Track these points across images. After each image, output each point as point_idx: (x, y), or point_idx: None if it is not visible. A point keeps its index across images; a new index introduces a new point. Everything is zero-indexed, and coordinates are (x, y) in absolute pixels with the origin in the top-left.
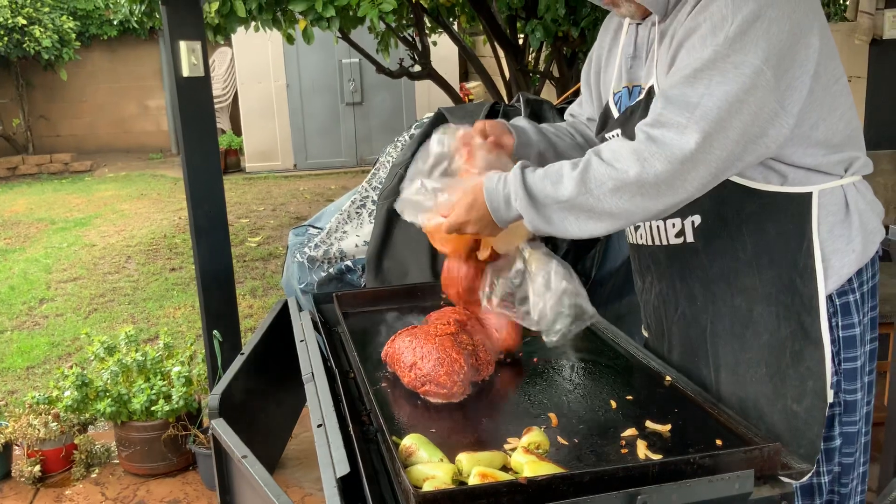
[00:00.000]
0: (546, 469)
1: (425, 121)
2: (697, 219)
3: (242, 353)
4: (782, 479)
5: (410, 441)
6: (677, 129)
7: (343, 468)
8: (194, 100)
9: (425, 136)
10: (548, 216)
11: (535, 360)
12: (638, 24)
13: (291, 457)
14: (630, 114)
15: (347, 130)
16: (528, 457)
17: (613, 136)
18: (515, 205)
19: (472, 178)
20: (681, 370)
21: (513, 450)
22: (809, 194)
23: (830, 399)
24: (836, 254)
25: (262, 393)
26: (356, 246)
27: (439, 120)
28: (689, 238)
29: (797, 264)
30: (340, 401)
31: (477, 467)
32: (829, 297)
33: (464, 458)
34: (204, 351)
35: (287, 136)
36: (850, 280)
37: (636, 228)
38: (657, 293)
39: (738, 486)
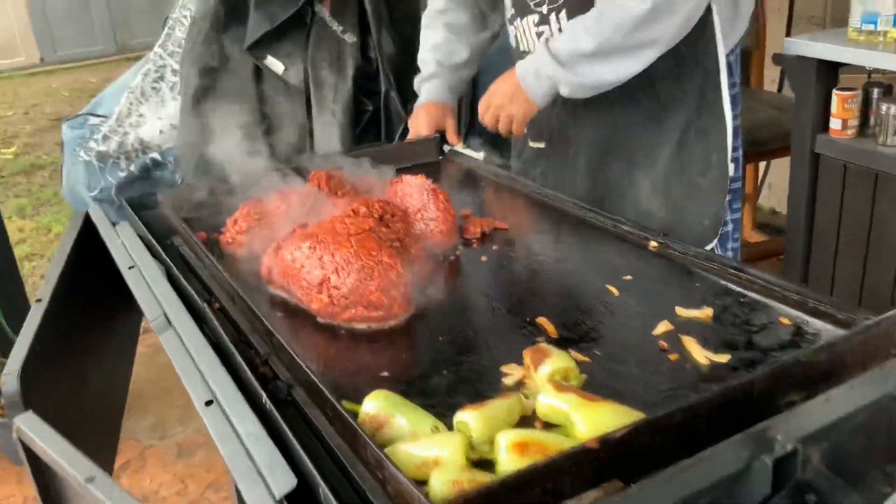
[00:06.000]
0: (610, 414)
1: None
2: None
3: (40, 300)
4: None
5: (377, 403)
6: None
7: (287, 480)
8: None
9: None
10: (579, 71)
11: (483, 258)
12: None
13: None
14: None
15: (100, 13)
16: (566, 396)
17: None
18: (546, 71)
19: None
20: (589, 168)
21: (518, 384)
22: None
23: (732, 172)
24: (726, 37)
25: (80, 347)
26: (160, 132)
27: None
28: None
29: (700, 44)
30: (226, 351)
31: (503, 435)
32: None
33: (470, 418)
34: None
35: (27, 26)
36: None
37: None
38: (562, 101)
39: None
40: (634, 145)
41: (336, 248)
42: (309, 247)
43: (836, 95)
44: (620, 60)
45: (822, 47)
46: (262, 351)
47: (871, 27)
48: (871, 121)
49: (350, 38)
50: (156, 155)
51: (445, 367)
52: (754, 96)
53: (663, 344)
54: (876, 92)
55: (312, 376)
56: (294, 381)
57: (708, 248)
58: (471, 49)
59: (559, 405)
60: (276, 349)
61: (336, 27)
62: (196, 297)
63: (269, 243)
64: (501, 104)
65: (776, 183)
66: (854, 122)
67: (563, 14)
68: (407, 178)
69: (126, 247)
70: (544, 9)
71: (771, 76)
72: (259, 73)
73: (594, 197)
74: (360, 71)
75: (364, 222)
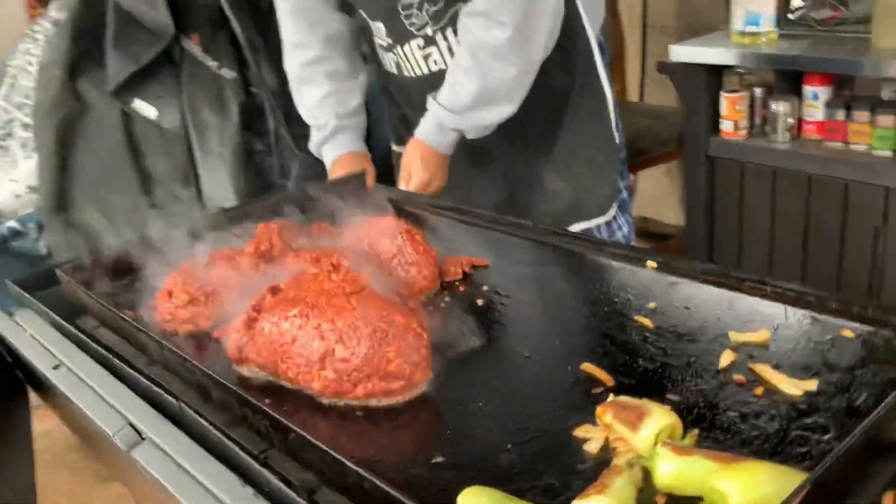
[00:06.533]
0: (760, 475)
1: None
2: None
3: None
4: None
5: None
6: None
7: None
8: None
9: (80, 18)
10: (476, 116)
11: (479, 302)
12: None
13: None
14: None
15: None
16: (694, 461)
17: None
18: (449, 125)
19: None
20: (494, 167)
21: (606, 449)
22: None
23: (618, 140)
24: (591, 19)
25: None
26: (16, 196)
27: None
28: None
29: (572, 31)
30: (233, 458)
31: None
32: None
33: None
34: None
35: None
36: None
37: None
38: None
39: None
40: (533, 135)
41: (336, 313)
42: (299, 315)
43: (725, 98)
44: (511, 90)
45: (711, 52)
46: (257, 448)
47: (755, 28)
48: (760, 120)
49: (228, 73)
50: (13, 223)
51: (507, 441)
52: (624, 108)
53: (739, 378)
54: (760, 91)
55: (374, 479)
56: (317, 483)
57: (609, 215)
58: (360, 92)
59: (691, 473)
60: (292, 443)
61: (210, 63)
62: (161, 391)
63: (223, 316)
64: (413, 171)
65: (643, 190)
66: (744, 123)
67: (449, 32)
68: (373, 220)
69: (41, 342)
70: (428, 30)
71: (630, 88)
72: (128, 119)
73: (505, 193)
74: (244, 108)
75: (357, 277)
